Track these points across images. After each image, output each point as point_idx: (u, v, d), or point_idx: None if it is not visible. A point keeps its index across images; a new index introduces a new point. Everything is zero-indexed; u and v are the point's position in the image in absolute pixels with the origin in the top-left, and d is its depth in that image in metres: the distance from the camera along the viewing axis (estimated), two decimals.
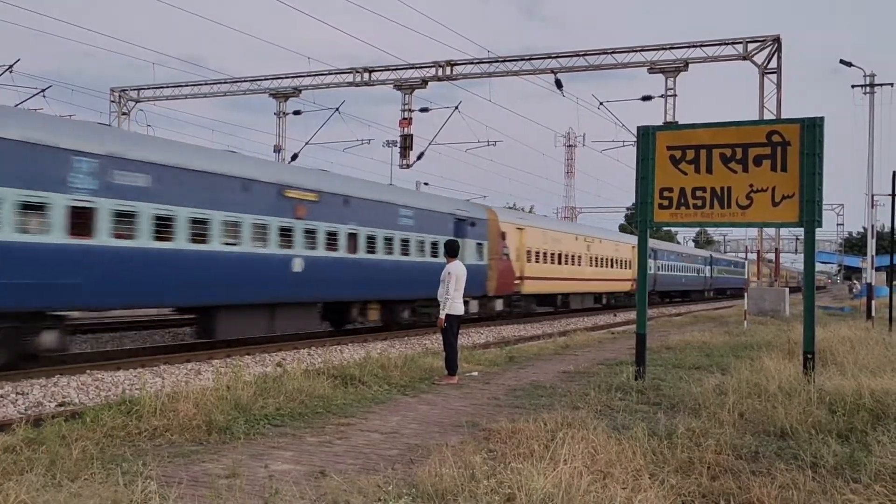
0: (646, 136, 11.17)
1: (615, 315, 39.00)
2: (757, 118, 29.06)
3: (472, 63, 37.33)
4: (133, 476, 5.22)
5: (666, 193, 10.95)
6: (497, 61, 36.96)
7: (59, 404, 11.68)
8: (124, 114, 42.86)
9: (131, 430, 7.36)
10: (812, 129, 10.21)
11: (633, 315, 37.65)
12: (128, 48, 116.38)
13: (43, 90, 28.95)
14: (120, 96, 43.26)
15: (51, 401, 11.94)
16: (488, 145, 44.38)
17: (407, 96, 38.81)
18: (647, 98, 36.15)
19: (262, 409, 8.49)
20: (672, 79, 34.54)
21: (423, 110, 39.40)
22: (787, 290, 33.12)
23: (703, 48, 33.94)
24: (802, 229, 10.54)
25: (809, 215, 10.15)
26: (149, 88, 43.03)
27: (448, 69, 37.45)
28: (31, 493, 4.66)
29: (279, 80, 41.41)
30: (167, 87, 42.80)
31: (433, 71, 37.71)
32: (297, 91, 41.38)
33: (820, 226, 10.30)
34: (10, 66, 29.60)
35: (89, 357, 16.32)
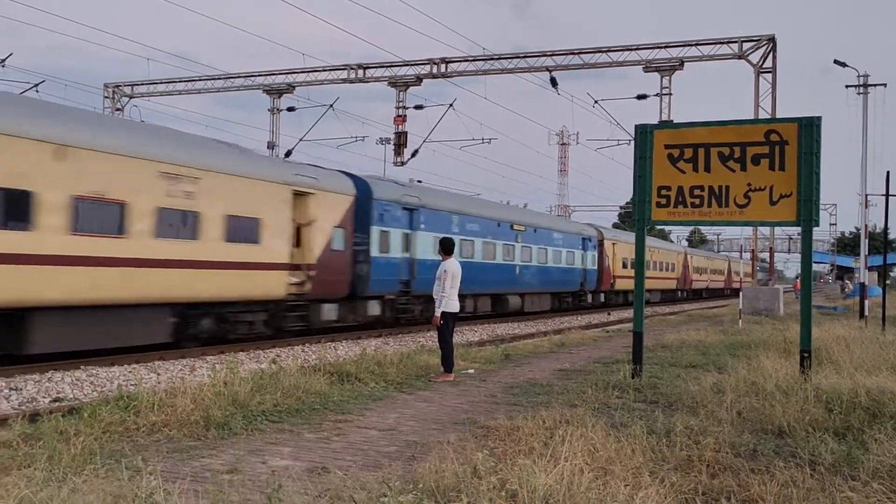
0: (643, 135, 11.18)
1: (609, 314, 39.06)
2: (752, 117, 29.13)
3: (466, 60, 37.32)
4: (134, 471, 5.21)
5: (664, 192, 10.96)
6: (492, 59, 36.97)
7: (54, 400, 11.64)
8: (118, 109, 42.70)
9: (129, 426, 7.33)
10: (809, 128, 10.24)
11: (627, 314, 37.86)
12: (120, 43, 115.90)
13: (36, 84, 28.86)
14: (114, 91, 43.12)
15: (45, 396, 11.90)
16: (483, 143, 44.36)
17: (401, 93, 38.77)
18: (642, 96, 36.19)
19: (260, 406, 8.46)
20: (667, 77, 34.59)
21: (418, 107, 39.38)
22: (781, 289, 33.20)
23: (699, 47, 34.02)
24: (798, 228, 10.58)
25: (807, 214, 10.18)
26: (143, 84, 42.87)
27: (443, 66, 37.44)
28: (32, 488, 4.64)
29: (273, 77, 41.34)
30: (161, 82, 42.65)
31: (428, 68, 37.69)
32: (290, 87, 41.30)
33: (817, 225, 10.34)
34: (3, 61, 29.49)
35: (83, 352, 16.23)
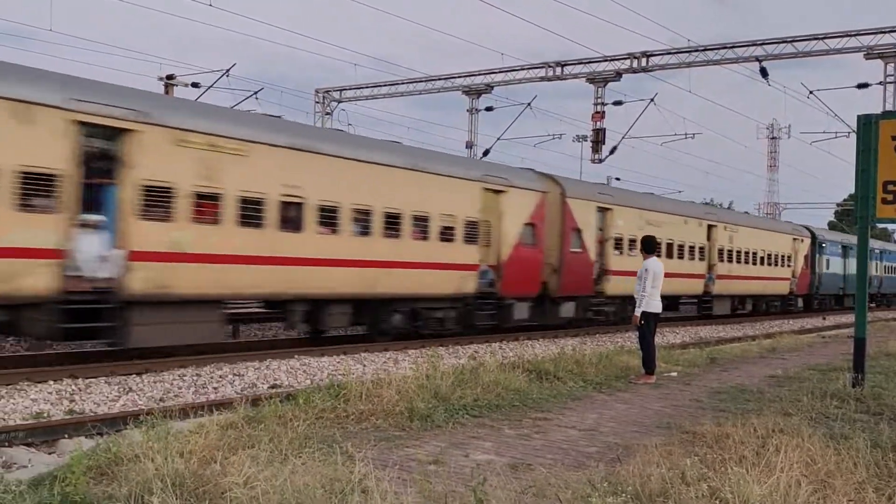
0: (867, 126, 10.36)
1: (824, 318, 36.62)
2: None
3: (669, 53, 36.10)
4: (347, 456, 5.46)
5: (890, 187, 10.10)
6: (696, 50, 35.53)
7: (272, 386, 12.45)
8: (328, 113, 45.03)
9: (339, 413, 7.71)
10: None
11: (843, 318, 35.31)
12: (330, 50, 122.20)
13: (255, 92, 30.91)
14: (324, 97, 45.49)
15: (264, 382, 12.75)
16: (685, 138, 42.80)
17: (599, 89, 38.13)
18: (863, 85, 33.57)
19: (461, 400, 8.64)
20: (892, 65, 31.86)
21: (617, 103, 38.46)
22: None
23: None
24: None
25: None
26: (350, 89, 44.92)
27: (643, 60, 36.42)
28: (257, 467, 4.98)
29: (472, 77, 41.93)
30: (367, 87, 44.46)
31: (627, 63, 36.80)
32: (489, 87, 41.69)
33: None
34: (227, 71, 31.87)
35: (296, 343, 17.27)
